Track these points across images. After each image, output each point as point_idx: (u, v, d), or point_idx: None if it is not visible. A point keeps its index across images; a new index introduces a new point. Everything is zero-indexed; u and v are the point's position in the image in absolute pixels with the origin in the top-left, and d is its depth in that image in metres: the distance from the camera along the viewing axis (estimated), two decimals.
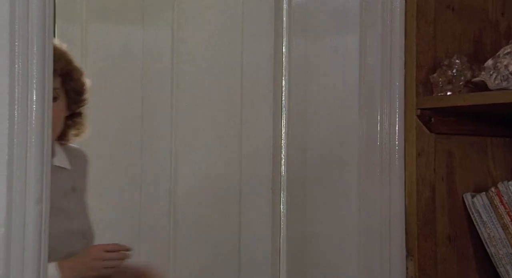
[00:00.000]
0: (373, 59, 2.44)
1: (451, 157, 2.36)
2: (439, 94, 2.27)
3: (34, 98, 1.92)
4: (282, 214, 2.94)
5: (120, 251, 2.35)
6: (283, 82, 2.93)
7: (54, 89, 2.28)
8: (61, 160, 2.46)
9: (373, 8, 2.44)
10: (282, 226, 2.94)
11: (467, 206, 2.35)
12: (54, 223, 2.17)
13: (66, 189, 2.45)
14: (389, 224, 2.42)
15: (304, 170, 2.75)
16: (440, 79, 2.27)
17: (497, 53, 2.21)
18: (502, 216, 2.29)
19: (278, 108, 2.94)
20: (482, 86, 2.22)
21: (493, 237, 2.30)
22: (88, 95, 2.51)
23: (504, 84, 2.16)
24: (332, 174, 2.62)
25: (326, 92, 2.64)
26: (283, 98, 2.93)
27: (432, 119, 2.32)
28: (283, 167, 2.95)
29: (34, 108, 1.93)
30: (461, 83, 2.27)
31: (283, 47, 2.93)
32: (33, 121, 1.92)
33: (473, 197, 2.34)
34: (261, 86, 2.97)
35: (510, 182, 2.29)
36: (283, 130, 2.94)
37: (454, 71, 2.26)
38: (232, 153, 3.02)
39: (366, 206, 2.46)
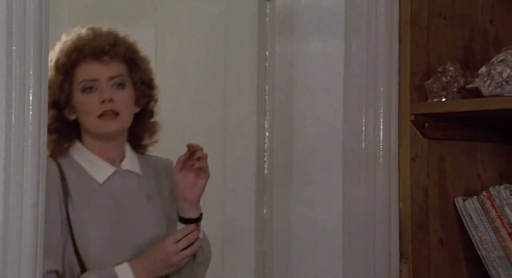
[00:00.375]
0: (358, 64, 2.47)
1: (443, 161, 2.41)
2: (434, 100, 2.32)
3: (31, 103, 1.93)
4: (265, 216, 2.96)
5: (188, 234, 2.21)
6: (266, 86, 2.95)
7: (120, 75, 2.22)
8: (130, 164, 2.29)
9: (357, 13, 2.48)
10: (265, 228, 2.96)
11: (459, 209, 2.40)
12: (121, 226, 2.21)
13: (137, 194, 2.29)
14: (373, 226, 2.45)
15: (289, 172, 2.77)
16: (435, 85, 2.32)
17: (491, 61, 2.26)
18: (494, 220, 2.34)
19: (261, 111, 2.96)
20: (476, 93, 2.27)
21: (485, 240, 2.35)
22: (157, 92, 2.36)
23: (498, 90, 2.21)
24: (316, 176, 2.65)
25: (311, 96, 2.66)
26: (266, 101, 2.95)
27: (426, 124, 2.36)
28: (265, 170, 2.97)
29: (31, 113, 1.94)
30: (454, 89, 2.31)
31: (267, 50, 2.95)
32: (30, 126, 1.94)
33: (464, 200, 2.39)
34: (245, 89, 2.99)
35: (501, 186, 2.34)
36: (267, 133, 2.95)
37: (448, 77, 2.31)
38: (215, 155, 3.02)
39: (350, 208, 2.49)
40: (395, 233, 2.41)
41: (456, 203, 2.41)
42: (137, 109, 2.28)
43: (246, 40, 2.99)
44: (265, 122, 2.94)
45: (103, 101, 2.18)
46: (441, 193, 2.41)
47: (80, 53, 2.20)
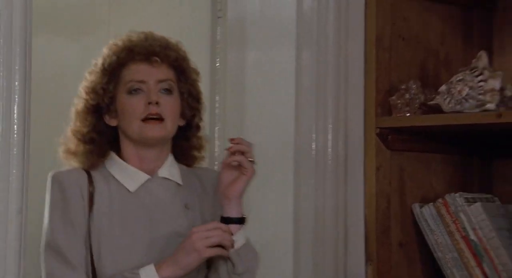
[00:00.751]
0: (308, 76, 2.62)
1: (403, 171, 2.62)
2: (398, 115, 2.52)
3: (16, 114, 2.03)
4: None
5: (221, 229, 2.04)
6: (217, 97, 3.06)
7: (168, 80, 2.13)
8: (168, 171, 2.16)
9: (308, 27, 2.63)
10: None
11: (416, 215, 2.61)
12: (151, 238, 2.08)
13: (174, 204, 2.15)
14: (323, 232, 2.62)
15: None
16: (399, 101, 2.52)
17: (450, 80, 2.49)
18: (449, 224, 2.56)
19: (213, 122, 3.07)
20: (436, 109, 2.49)
21: (440, 243, 2.57)
22: (203, 107, 2.24)
23: (458, 107, 2.44)
24: (267, 186, 2.78)
25: (262, 107, 2.78)
26: (217, 112, 3.06)
27: (389, 137, 2.56)
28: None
29: (16, 124, 2.03)
30: (416, 105, 2.53)
31: (218, 63, 3.06)
32: (15, 136, 2.03)
33: (421, 207, 2.60)
34: None
35: (456, 194, 2.56)
36: (217, 143, 3.07)
37: (412, 94, 2.52)
38: None
39: (300, 215, 2.64)
40: (343, 236, 2.60)
41: (413, 209, 2.62)
42: (182, 123, 2.17)
43: (198, 53, 3.10)
44: (216, 132, 3.06)
45: (149, 103, 2.08)
46: (401, 200, 2.61)
47: (130, 52, 2.13)
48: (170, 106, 2.11)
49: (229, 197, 2.10)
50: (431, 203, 2.59)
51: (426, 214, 2.59)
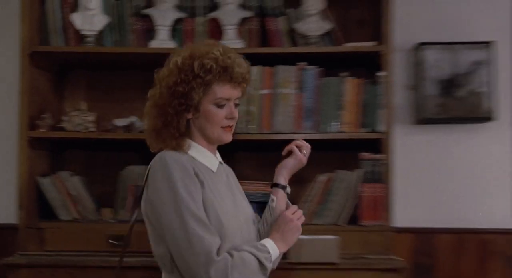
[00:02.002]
0: None
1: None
2: (41, 130, 4.20)
3: None
4: None
5: (297, 209, 2.50)
6: None
7: (240, 97, 2.49)
8: (220, 158, 2.53)
9: None
10: None
11: (41, 184, 4.25)
12: (235, 207, 2.49)
13: (233, 182, 2.56)
14: None
15: None
16: (42, 123, 4.20)
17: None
18: (61, 189, 4.34)
19: None
20: (62, 129, 4.32)
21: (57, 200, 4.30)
22: None
23: (76, 128, 4.35)
24: None
25: None
26: None
27: (33, 144, 4.23)
28: None
29: None
30: (49, 125, 4.33)
31: None
32: None
33: (44, 178, 4.28)
34: None
35: (63, 172, 4.63)
36: None
37: (49, 121, 4.37)
38: None
39: None
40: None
41: (39, 180, 4.29)
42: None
43: None
44: None
45: (231, 118, 2.43)
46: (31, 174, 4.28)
47: (230, 77, 2.43)
48: (237, 116, 2.49)
49: (280, 166, 2.59)
50: (50, 176, 4.28)
51: (45, 183, 4.26)
